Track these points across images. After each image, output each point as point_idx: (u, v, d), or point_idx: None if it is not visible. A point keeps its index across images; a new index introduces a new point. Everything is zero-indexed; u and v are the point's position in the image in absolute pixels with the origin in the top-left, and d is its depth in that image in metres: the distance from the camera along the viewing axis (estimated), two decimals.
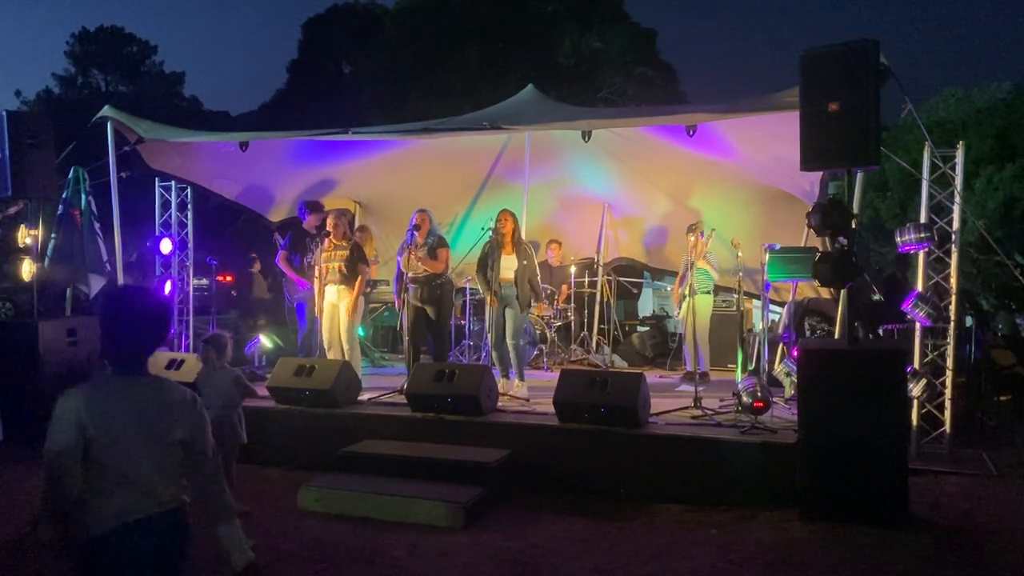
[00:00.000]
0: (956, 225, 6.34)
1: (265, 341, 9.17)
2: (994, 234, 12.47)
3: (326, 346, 7.49)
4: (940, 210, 6.47)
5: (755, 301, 9.33)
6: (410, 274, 7.45)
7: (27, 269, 7.58)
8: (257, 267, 12.79)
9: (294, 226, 8.54)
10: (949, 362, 6.36)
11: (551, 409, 6.09)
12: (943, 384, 6.34)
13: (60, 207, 8.11)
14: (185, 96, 31.16)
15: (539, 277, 7.67)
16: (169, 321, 2.71)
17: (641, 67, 22.38)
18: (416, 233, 7.40)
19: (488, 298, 7.23)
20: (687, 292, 7.92)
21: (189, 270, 9.33)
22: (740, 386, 6.07)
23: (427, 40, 21.08)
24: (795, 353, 6.06)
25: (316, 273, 7.54)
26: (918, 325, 6.31)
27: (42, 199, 7.60)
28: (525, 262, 7.22)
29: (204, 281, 10.76)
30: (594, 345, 10.25)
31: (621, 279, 11.17)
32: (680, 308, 8.47)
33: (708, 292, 8.38)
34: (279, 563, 4.46)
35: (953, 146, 6.38)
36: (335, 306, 7.37)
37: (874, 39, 4.94)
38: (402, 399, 6.61)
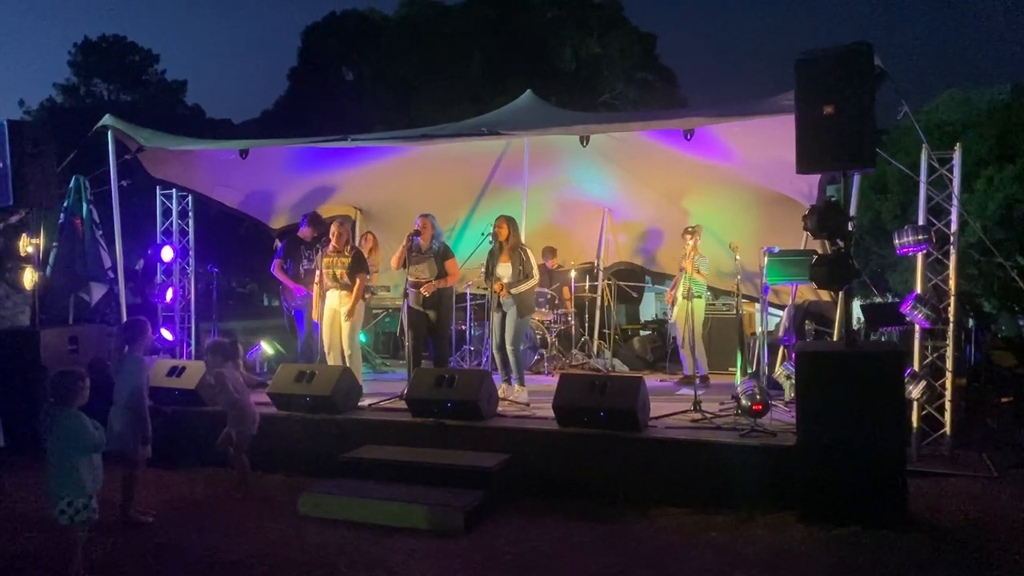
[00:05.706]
0: (954, 227, 6.35)
1: (266, 347, 9.20)
2: (995, 235, 12.46)
3: (326, 352, 7.50)
4: (939, 212, 6.46)
5: (755, 304, 9.33)
6: (411, 279, 7.46)
7: (29, 278, 7.60)
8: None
9: (289, 234, 8.59)
10: (948, 364, 6.36)
11: (551, 413, 6.09)
12: (943, 386, 6.34)
13: (62, 216, 8.14)
14: (188, 104, 31.25)
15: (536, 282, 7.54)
16: None
17: (641, 72, 22.50)
18: (418, 239, 7.41)
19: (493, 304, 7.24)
20: (684, 295, 7.92)
21: (191, 277, 9.36)
22: (739, 389, 6.09)
23: (428, 47, 21.16)
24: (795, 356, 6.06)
25: (316, 279, 7.56)
26: (917, 327, 6.32)
27: (44, 208, 7.63)
28: (520, 267, 7.22)
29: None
30: (595, 349, 10.25)
31: (621, 283, 11.18)
32: (673, 310, 8.46)
33: (700, 296, 8.38)
34: (279, 569, 4.47)
35: (953, 148, 6.38)
36: (336, 312, 7.38)
37: (867, 42, 4.95)
38: (402, 404, 6.62)
